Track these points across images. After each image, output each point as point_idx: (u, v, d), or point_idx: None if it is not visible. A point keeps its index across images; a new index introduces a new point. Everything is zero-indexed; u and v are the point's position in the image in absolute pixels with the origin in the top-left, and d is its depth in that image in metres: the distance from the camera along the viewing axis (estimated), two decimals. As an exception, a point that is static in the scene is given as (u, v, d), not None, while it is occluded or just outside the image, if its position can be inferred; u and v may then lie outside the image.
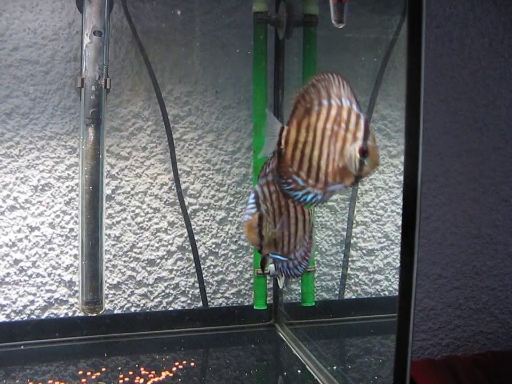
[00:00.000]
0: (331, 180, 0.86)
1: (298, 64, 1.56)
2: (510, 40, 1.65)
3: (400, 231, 1.73)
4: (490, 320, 1.70)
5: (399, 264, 1.73)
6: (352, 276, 1.72)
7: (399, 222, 1.73)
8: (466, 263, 1.66)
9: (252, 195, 0.97)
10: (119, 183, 1.62)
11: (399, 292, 0.90)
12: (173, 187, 1.64)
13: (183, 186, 1.65)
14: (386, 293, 1.74)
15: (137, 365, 1.40)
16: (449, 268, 1.65)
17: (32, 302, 1.57)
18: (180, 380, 1.33)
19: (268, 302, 1.65)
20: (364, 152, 0.82)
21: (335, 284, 1.72)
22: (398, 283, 1.74)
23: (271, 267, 1.48)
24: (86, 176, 1.39)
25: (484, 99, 1.64)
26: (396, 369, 0.91)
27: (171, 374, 1.35)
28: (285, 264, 1.00)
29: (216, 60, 1.65)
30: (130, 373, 1.36)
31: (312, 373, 1.38)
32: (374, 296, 1.74)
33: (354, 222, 1.70)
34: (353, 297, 1.73)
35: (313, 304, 1.58)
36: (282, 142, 0.88)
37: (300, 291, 1.62)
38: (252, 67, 1.58)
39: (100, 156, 1.40)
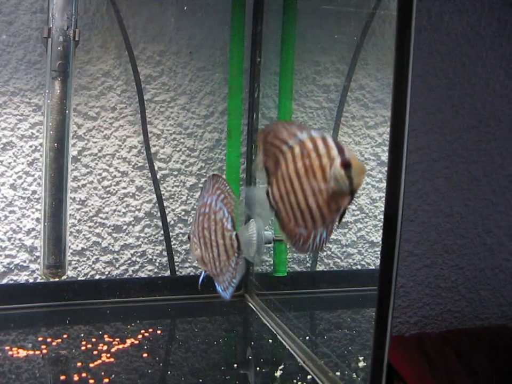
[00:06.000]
0: (327, 212, 0.81)
1: (277, 26, 1.52)
2: (488, 18, 1.64)
3: (375, 204, 1.73)
4: (458, 299, 1.69)
5: (372, 238, 1.74)
6: (324, 249, 1.69)
7: (374, 195, 1.74)
8: (437, 241, 1.64)
9: None
10: (86, 144, 1.56)
11: (380, 269, 0.85)
12: (142, 150, 1.60)
13: (153, 150, 1.60)
14: (359, 267, 1.73)
15: (101, 333, 1.35)
16: (420, 245, 1.63)
17: (-11, 267, 1.52)
18: (145, 347, 1.28)
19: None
20: (346, 165, 0.77)
21: (306, 256, 1.70)
22: (371, 257, 1.74)
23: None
24: (51, 132, 1.34)
25: (459, 77, 1.62)
26: (375, 344, 0.88)
27: (136, 342, 1.30)
28: (219, 286, 1.03)
29: (192, 18, 1.59)
30: (94, 340, 1.30)
31: (284, 342, 1.35)
32: (346, 269, 1.72)
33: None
34: (325, 269, 1.70)
35: (285, 274, 1.55)
36: (272, 202, 0.86)
37: (272, 261, 1.58)
38: (229, 28, 1.53)
39: (67, 111, 1.35)
